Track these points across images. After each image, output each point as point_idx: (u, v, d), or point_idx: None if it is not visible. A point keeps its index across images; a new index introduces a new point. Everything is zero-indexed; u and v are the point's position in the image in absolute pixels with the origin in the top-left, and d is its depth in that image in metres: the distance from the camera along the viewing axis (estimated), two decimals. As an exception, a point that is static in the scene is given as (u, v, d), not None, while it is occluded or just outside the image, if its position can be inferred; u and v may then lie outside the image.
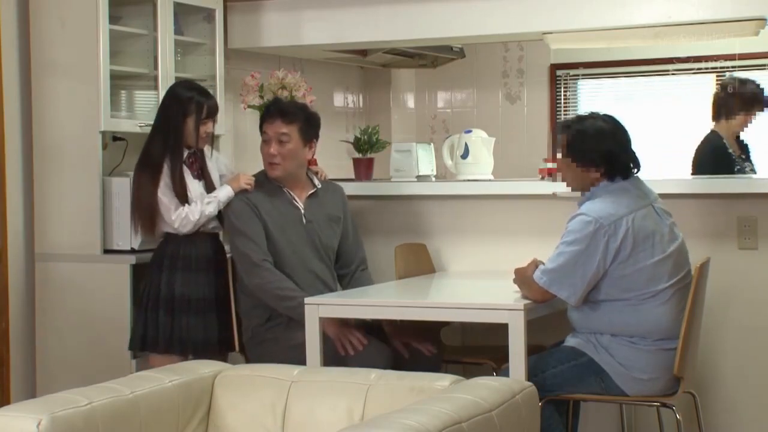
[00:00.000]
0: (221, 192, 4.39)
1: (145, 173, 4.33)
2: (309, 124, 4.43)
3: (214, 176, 4.50)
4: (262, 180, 4.44)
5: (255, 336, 4.34)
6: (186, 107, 4.36)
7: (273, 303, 4.26)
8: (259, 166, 5.75)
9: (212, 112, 4.44)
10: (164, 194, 4.29)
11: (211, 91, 5.29)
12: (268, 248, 4.32)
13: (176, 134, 4.35)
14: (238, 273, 4.39)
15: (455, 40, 6.23)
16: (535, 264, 3.87)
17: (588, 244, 3.71)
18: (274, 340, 4.28)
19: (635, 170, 3.89)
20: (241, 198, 4.38)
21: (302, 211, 4.42)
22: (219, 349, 4.39)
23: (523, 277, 3.89)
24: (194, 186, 4.38)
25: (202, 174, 4.45)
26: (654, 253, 3.75)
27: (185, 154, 4.40)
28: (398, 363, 4.07)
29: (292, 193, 4.43)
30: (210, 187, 4.44)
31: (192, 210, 4.31)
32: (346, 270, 4.55)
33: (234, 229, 4.35)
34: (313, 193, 4.48)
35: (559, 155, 3.99)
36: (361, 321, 4.22)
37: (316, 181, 4.52)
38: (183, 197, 4.32)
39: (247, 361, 4.36)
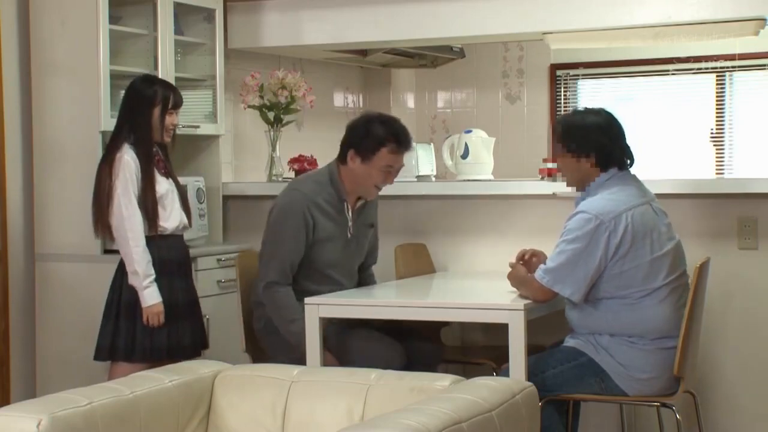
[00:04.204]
0: (147, 294, 4.17)
1: (105, 165, 4.23)
2: None
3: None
4: (327, 182, 4.29)
5: (267, 325, 4.30)
6: (152, 100, 4.25)
7: (275, 318, 4.21)
8: (258, 166, 5.76)
9: (178, 103, 4.33)
10: (128, 205, 4.16)
11: (211, 91, 5.31)
12: (307, 257, 4.22)
13: (143, 129, 4.24)
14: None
15: (455, 40, 6.23)
16: (520, 264, 3.89)
17: (589, 241, 3.72)
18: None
19: (629, 164, 3.90)
20: (303, 209, 4.19)
21: (350, 224, 4.33)
22: (190, 353, 4.33)
23: (519, 278, 3.89)
24: (162, 183, 4.29)
25: (168, 172, 4.35)
26: (652, 250, 3.76)
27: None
28: (410, 361, 4.07)
29: (348, 204, 4.32)
30: (176, 185, 4.36)
31: (140, 257, 4.15)
32: (361, 273, 4.52)
33: (277, 232, 4.22)
34: (361, 205, 4.37)
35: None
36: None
37: None
38: (151, 197, 4.21)
39: (260, 349, 4.32)
